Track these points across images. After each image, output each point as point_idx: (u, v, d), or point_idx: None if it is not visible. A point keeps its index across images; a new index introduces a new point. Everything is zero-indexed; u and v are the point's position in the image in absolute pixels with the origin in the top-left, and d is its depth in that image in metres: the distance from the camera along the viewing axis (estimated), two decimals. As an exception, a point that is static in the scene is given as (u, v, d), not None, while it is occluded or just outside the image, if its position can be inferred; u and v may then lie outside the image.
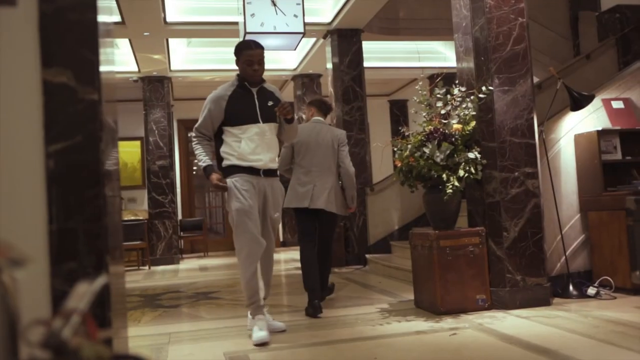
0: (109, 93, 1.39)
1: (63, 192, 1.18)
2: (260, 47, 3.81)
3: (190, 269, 9.07)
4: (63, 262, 1.17)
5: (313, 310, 4.32)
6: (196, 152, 3.80)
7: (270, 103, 3.81)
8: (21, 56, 1.17)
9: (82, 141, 1.21)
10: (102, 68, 1.28)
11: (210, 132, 3.79)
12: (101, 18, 1.32)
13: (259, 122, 3.72)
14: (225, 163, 3.75)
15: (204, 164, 3.75)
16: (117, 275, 1.36)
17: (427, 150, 4.12)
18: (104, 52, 1.31)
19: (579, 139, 4.81)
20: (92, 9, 1.24)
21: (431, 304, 4.21)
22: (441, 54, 10.47)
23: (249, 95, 3.80)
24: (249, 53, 3.76)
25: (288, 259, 9.30)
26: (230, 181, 3.70)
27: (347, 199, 4.89)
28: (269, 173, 3.80)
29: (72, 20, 1.22)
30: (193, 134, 3.87)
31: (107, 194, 1.24)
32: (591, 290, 4.40)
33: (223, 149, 3.76)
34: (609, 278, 4.51)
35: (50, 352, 0.65)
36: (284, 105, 3.75)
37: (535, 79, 7.73)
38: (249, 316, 3.82)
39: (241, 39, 6.22)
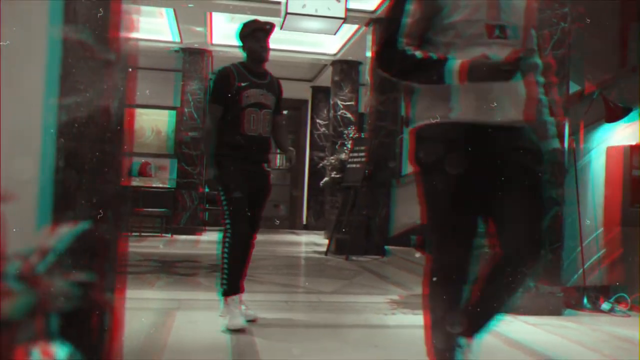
0: (130, 59, 1.43)
1: (70, 144, 1.23)
2: None
3: (211, 241, 9.19)
4: (64, 211, 1.22)
5: None
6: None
7: None
8: (44, 11, 1.22)
9: (93, 97, 1.26)
10: (124, 33, 1.32)
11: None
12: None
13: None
14: None
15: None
16: (118, 231, 1.41)
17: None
18: (128, 18, 1.36)
19: (611, 151, 4.72)
20: (119, -28, 1.28)
21: (440, 301, 4.21)
22: (484, 53, 10.33)
23: None
24: None
25: (309, 242, 9.36)
26: None
27: None
28: None
29: (98, -19, 1.26)
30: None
31: (112, 152, 1.29)
32: (605, 306, 4.34)
33: None
34: (625, 295, 4.43)
35: (24, 283, 0.70)
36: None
37: (577, 87, 7.58)
38: None
39: (282, 20, 6.25)
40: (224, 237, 3.39)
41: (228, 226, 3.38)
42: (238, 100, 3.44)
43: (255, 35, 3.53)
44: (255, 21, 3.62)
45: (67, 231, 0.77)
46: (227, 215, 3.39)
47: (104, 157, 1.30)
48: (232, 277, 3.38)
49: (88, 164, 1.25)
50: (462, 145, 1.87)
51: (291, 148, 3.81)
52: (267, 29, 3.57)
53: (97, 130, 1.27)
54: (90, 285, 0.78)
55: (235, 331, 3.22)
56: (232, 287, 3.38)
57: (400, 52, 1.86)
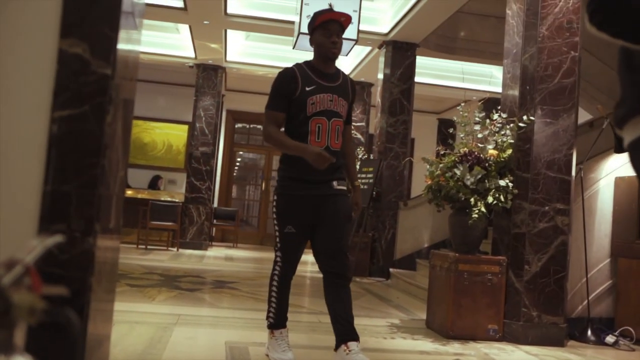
0: (127, 72, 1.45)
1: (62, 156, 1.24)
2: None
3: (217, 257, 9.20)
4: (52, 222, 1.22)
5: None
6: None
7: None
8: (41, 23, 1.23)
9: (88, 112, 1.26)
10: (121, 46, 1.34)
11: None
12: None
13: None
14: None
15: None
16: (109, 244, 1.42)
17: (457, 172, 4.09)
18: (125, 31, 1.37)
19: (619, 182, 4.67)
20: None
21: (441, 327, 4.17)
22: (496, 79, 10.35)
23: None
24: None
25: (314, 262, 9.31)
26: None
27: None
28: None
29: (96, -4, 1.28)
30: None
31: (106, 165, 1.29)
32: (610, 339, 4.27)
33: None
34: (630, 329, 4.35)
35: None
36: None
37: (589, 117, 7.54)
38: None
39: (295, 39, 6.30)
40: (274, 268, 3.07)
41: (278, 258, 3.04)
42: (302, 107, 2.89)
43: (327, 27, 2.91)
44: (328, 10, 3.00)
45: (39, 244, 0.77)
46: (278, 248, 3.04)
47: (99, 171, 1.30)
48: (279, 310, 3.08)
49: (80, 177, 1.26)
50: None
51: (357, 183, 3.23)
52: (342, 20, 2.95)
53: (91, 143, 1.27)
54: (62, 300, 0.77)
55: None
56: (279, 320, 3.09)
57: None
